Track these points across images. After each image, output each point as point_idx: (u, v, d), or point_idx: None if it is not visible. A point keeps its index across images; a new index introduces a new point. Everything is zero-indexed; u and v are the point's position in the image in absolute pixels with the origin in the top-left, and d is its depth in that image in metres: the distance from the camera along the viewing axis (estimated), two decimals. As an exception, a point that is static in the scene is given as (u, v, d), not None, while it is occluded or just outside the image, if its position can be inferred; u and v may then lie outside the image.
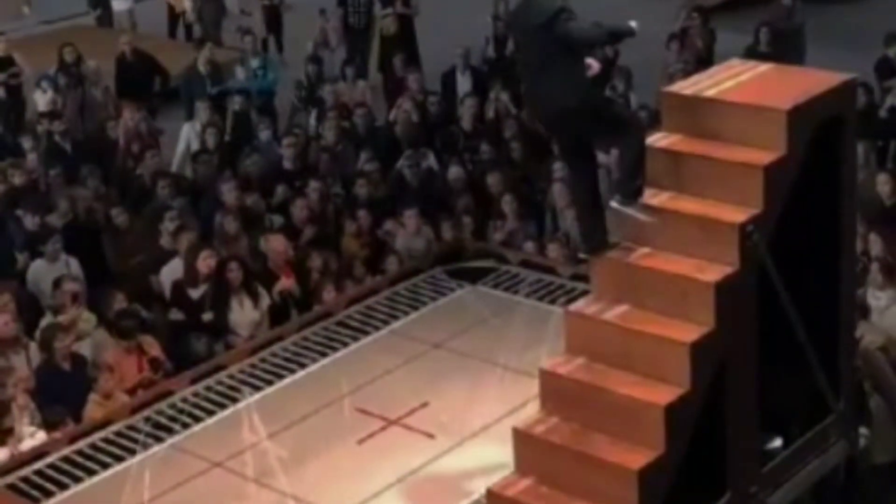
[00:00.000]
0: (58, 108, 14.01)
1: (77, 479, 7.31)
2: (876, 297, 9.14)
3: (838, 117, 6.86)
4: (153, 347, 9.27)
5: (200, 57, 14.64)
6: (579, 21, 6.41)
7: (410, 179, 11.97)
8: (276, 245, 10.39)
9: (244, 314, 9.84)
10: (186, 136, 13.36)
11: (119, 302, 9.59)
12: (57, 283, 9.85)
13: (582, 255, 7.04)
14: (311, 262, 10.25)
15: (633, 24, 6.58)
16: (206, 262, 9.90)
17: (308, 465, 7.25)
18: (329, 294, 9.65)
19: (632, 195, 6.57)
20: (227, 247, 10.58)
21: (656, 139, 6.89)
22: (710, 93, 6.83)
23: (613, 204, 6.59)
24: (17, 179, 11.99)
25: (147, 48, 15.57)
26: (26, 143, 13.00)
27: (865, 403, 8.15)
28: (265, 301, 9.92)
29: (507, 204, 11.09)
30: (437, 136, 13.21)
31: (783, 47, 14.82)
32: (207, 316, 9.75)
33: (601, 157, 7.97)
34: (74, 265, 10.46)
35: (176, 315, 9.93)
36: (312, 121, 13.77)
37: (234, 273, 9.81)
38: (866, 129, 11.22)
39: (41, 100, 14.27)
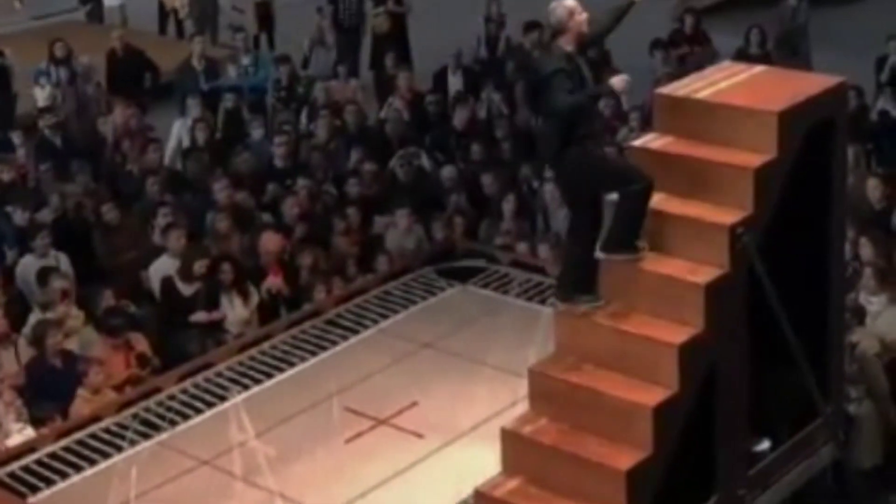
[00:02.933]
0: (56, 103, 13.98)
1: (64, 475, 7.30)
2: (869, 302, 9.13)
3: (829, 120, 6.87)
4: (140, 343, 9.25)
5: (194, 52, 14.62)
6: (563, 85, 6.37)
7: (402, 178, 11.95)
8: (268, 243, 10.37)
9: (234, 312, 9.83)
10: (178, 132, 13.33)
11: (108, 299, 9.57)
12: (43, 278, 9.82)
13: (558, 305, 6.82)
14: (302, 260, 10.24)
15: (617, 80, 6.56)
16: (201, 265, 9.92)
17: (296, 464, 7.24)
18: (319, 293, 9.64)
19: (617, 246, 6.52)
20: (219, 244, 10.57)
21: (648, 140, 6.90)
22: (702, 95, 6.84)
23: (599, 255, 6.57)
24: (6, 175, 11.95)
25: (138, 44, 15.53)
26: (16, 138, 12.95)
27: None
28: (255, 299, 9.92)
29: (507, 204, 11.08)
30: (428, 135, 13.21)
31: (787, 48, 14.86)
32: (198, 317, 9.73)
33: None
34: (64, 261, 10.43)
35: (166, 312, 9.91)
36: (303, 118, 13.75)
37: (226, 274, 9.84)
38: (857, 133, 11.22)
39: (40, 95, 14.24)
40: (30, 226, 10.90)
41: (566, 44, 6.51)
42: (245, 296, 9.87)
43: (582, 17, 6.53)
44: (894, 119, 12.61)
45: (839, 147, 7.03)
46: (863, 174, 11.10)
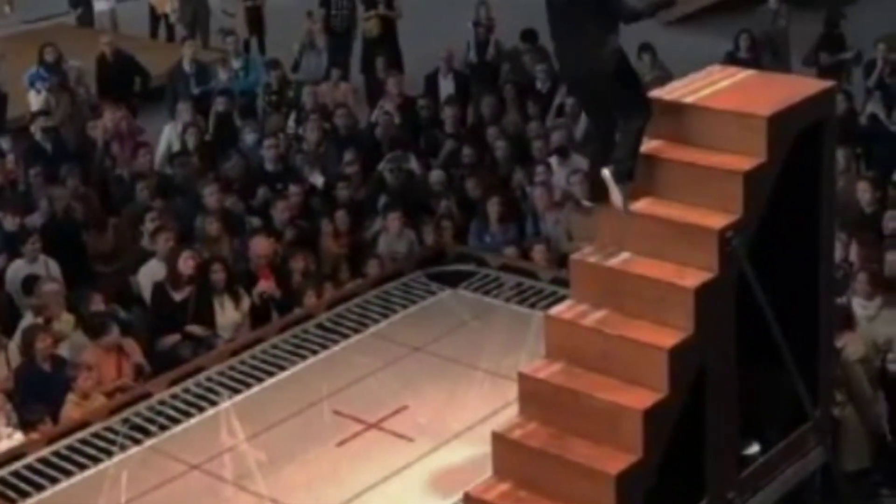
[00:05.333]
0: (50, 107, 13.97)
1: (54, 481, 7.29)
2: (863, 307, 9.15)
3: (818, 124, 6.88)
4: (135, 352, 9.25)
5: (185, 56, 14.62)
6: None
7: (391, 182, 11.96)
8: (259, 247, 10.37)
9: (225, 316, 9.83)
10: (168, 136, 13.33)
11: (97, 303, 9.56)
12: (31, 283, 9.80)
13: (587, 204, 7.08)
14: (294, 264, 10.24)
15: None
16: (186, 262, 9.87)
17: (287, 468, 7.24)
18: (309, 297, 9.65)
19: (625, 175, 6.58)
20: (209, 248, 10.57)
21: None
22: (692, 99, 6.85)
23: (606, 173, 6.60)
24: (-4, 180, 11.96)
25: (128, 48, 15.53)
26: (5, 143, 12.94)
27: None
28: (246, 302, 9.92)
29: (492, 207, 11.09)
30: (419, 138, 13.22)
31: (767, 51, 14.89)
32: (195, 329, 9.72)
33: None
34: (53, 266, 10.42)
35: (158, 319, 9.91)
36: (292, 122, 13.76)
37: (219, 274, 9.81)
38: (847, 136, 11.25)
39: (35, 100, 14.22)
40: (19, 230, 10.89)
41: None
42: (236, 299, 9.87)
43: None
44: (884, 122, 12.65)
45: (828, 150, 7.05)
46: (853, 177, 11.13)
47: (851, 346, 8.59)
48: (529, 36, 14.92)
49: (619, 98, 6.64)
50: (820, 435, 7.18)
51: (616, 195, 6.59)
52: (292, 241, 10.87)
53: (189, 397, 7.94)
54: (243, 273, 10.27)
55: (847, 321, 8.70)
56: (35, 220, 11.23)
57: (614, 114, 6.67)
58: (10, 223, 10.95)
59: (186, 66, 14.54)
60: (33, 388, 8.75)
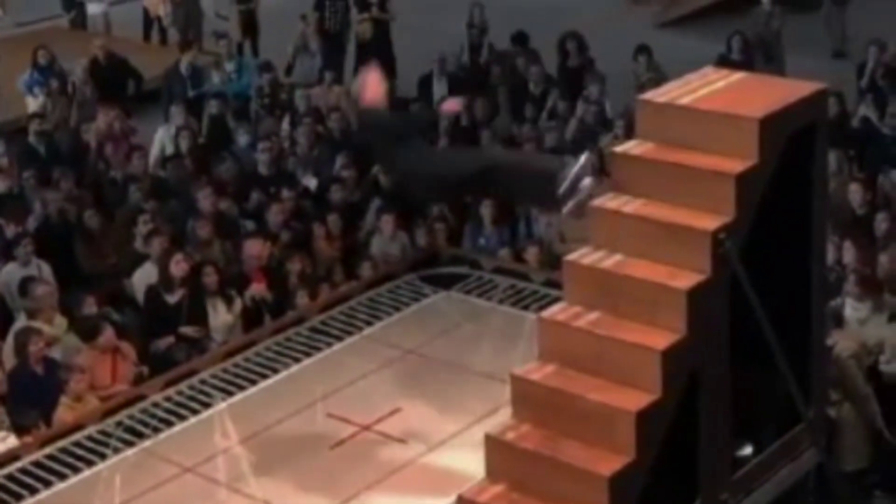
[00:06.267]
0: (47, 110, 13.95)
1: (48, 484, 7.28)
2: (855, 309, 9.17)
3: (811, 126, 6.89)
4: (131, 355, 9.24)
5: (183, 59, 14.63)
6: None
7: (384, 184, 11.97)
8: (252, 249, 10.38)
9: (218, 318, 9.83)
10: (162, 139, 13.34)
11: (90, 306, 9.56)
12: (26, 286, 9.80)
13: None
14: (291, 267, 10.24)
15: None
16: (178, 265, 9.87)
17: (280, 471, 7.23)
18: (301, 298, 9.65)
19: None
20: (201, 251, 10.57)
21: (630, 146, 6.92)
22: (684, 101, 6.86)
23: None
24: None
25: (121, 51, 15.54)
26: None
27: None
28: (238, 304, 9.92)
29: (485, 209, 11.11)
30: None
31: (759, 53, 14.92)
32: (188, 330, 9.71)
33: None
34: (46, 269, 10.41)
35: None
36: (286, 126, 13.76)
37: (210, 277, 9.81)
38: (839, 138, 11.28)
39: (32, 103, 14.21)
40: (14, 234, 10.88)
41: None
42: (228, 301, 9.87)
43: None
44: (876, 125, 12.68)
45: (820, 152, 7.06)
46: (844, 179, 11.16)
47: (842, 342, 8.61)
48: (520, 38, 14.95)
49: None
50: (814, 436, 7.19)
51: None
52: (287, 243, 10.88)
53: (183, 400, 7.93)
54: (236, 276, 10.27)
55: (837, 320, 8.73)
56: (28, 223, 11.22)
57: None
58: (12, 232, 10.93)
59: (183, 69, 14.55)
60: (26, 391, 8.75)
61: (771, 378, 6.84)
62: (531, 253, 10.08)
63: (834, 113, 11.46)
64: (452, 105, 7.62)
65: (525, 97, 13.98)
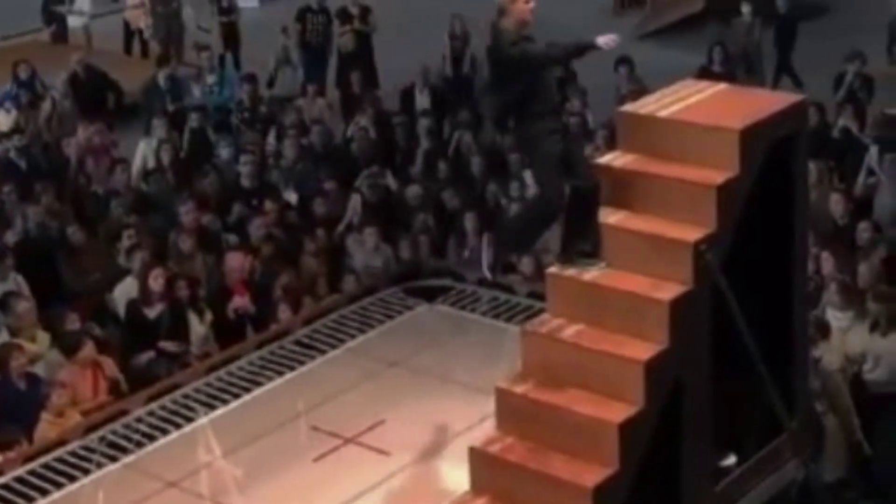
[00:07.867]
0: (21, 126, 13.90)
1: (30, 500, 7.25)
2: (837, 318, 9.19)
3: (791, 137, 6.93)
4: (111, 369, 9.21)
5: (161, 73, 14.61)
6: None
7: (368, 198, 11.97)
8: (233, 262, 10.37)
9: (192, 330, 9.83)
10: (143, 152, 13.30)
11: (73, 321, 9.52)
12: (6, 302, 9.75)
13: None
14: (278, 280, 10.23)
15: (603, 39, 6.69)
16: (157, 280, 9.86)
17: (264, 484, 7.22)
18: (283, 312, 9.64)
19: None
20: (182, 265, 10.55)
21: (612, 158, 6.94)
22: (665, 112, 6.89)
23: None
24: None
25: (102, 64, 15.50)
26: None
27: (818, 422, 8.23)
28: (209, 316, 9.94)
29: (468, 221, 11.10)
30: (395, 153, 13.23)
31: (740, 65, 14.96)
32: (168, 345, 9.69)
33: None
34: (24, 285, 10.36)
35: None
36: (271, 139, 13.74)
37: (183, 291, 9.83)
38: (819, 149, 11.32)
39: (3, 120, 14.15)
40: (-6, 249, 10.83)
41: (508, 25, 6.64)
42: (200, 313, 9.90)
43: (527, 5, 6.66)
44: (856, 135, 12.73)
45: (801, 163, 7.10)
46: (825, 190, 11.20)
47: (829, 356, 8.64)
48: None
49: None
50: (796, 446, 7.21)
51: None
52: (270, 256, 10.86)
53: (165, 414, 7.91)
54: (218, 289, 10.25)
55: (823, 330, 8.75)
56: (8, 238, 11.17)
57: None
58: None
59: (161, 82, 14.52)
60: (8, 407, 8.70)
61: (754, 388, 6.86)
62: (525, 263, 10.05)
63: (814, 123, 11.49)
64: None
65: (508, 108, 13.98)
